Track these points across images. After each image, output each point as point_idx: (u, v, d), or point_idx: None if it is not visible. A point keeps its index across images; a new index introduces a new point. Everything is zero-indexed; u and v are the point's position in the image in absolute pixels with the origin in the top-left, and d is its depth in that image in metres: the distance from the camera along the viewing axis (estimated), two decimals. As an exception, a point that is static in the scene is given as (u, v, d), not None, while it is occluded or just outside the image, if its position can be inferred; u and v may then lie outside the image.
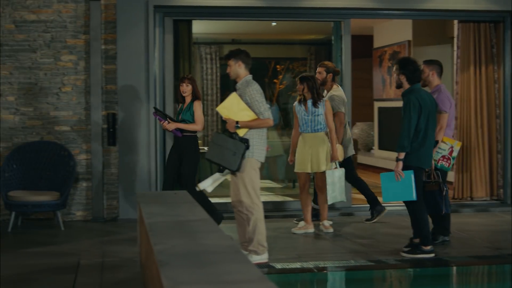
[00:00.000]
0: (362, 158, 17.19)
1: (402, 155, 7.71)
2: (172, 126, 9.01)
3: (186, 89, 9.10)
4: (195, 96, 9.17)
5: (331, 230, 9.33)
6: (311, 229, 9.37)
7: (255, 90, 7.48)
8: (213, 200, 9.84)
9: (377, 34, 16.78)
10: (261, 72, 16.44)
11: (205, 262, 3.96)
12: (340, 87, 9.86)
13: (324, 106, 9.15)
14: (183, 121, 9.08)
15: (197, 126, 9.06)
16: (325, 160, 9.17)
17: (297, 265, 7.53)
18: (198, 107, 9.08)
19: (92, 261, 7.70)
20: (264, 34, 16.04)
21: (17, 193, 9.48)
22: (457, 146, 8.28)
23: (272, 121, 7.53)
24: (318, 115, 9.15)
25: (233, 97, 7.53)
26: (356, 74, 12.05)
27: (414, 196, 7.74)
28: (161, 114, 9.23)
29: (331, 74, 9.67)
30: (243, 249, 7.58)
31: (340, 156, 9.38)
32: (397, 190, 7.79)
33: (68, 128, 10.34)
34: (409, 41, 15.12)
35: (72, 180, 9.78)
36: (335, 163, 9.26)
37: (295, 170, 9.39)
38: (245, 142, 7.36)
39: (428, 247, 7.89)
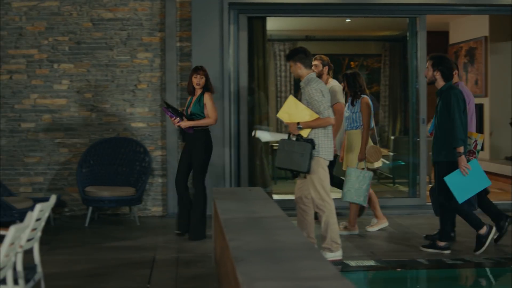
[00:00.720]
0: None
1: (462, 149, 7.64)
2: (186, 124, 8.68)
3: (200, 81, 8.72)
4: (206, 88, 8.82)
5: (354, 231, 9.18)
6: (385, 223, 9.34)
7: (314, 89, 7.44)
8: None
9: (453, 30, 16.52)
10: (335, 68, 16.34)
11: (280, 259, 3.96)
12: (334, 80, 9.55)
13: (359, 104, 9.01)
14: (192, 114, 8.74)
15: (210, 120, 8.74)
16: (354, 158, 9.00)
17: (371, 262, 7.47)
18: (209, 99, 8.76)
19: (167, 256, 7.77)
20: (338, 30, 15.93)
21: (94, 189, 9.63)
22: (480, 139, 8.22)
23: (333, 120, 7.50)
24: (354, 112, 9.00)
25: (290, 100, 7.57)
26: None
27: (488, 181, 7.85)
28: (172, 109, 8.76)
29: (326, 67, 9.37)
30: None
31: (373, 159, 9.03)
32: (469, 184, 7.72)
33: (144, 124, 10.47)
34: (485, 37, 14.87)
35: (148, 176, 9.90)
36: (363, 163, 8.94)
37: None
38: (310, 142, 7.33)
39: (443, 243, 7.96)
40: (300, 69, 7.56)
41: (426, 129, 10.75)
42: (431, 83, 7.98)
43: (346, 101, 9.21)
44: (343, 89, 9.19)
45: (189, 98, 8.98)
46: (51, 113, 10.44)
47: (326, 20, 13.62)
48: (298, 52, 7.60)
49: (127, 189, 9.62)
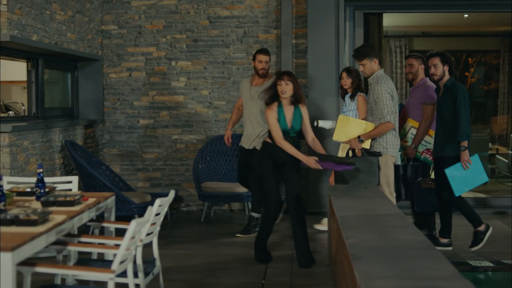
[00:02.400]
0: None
1: (466, 143, 7.64)
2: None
3: (286, 88, 7.17)
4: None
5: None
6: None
7: (384, 90, 7.37)
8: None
9: None
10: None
11: (398, 257, 3.92)
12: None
13: (356, 102, 8.64)
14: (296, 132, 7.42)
15: None
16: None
17: (489, 263, 7.31)
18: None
19: (282, 252, 7.80)
20: (455, 26, 15.62)
21: (210, 184, 9.74)
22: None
23: (392, 125, 7.37)
24: (351, 110, 8.63)
25: (340, 119, 7.62)
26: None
27: (486, 177, 7.80)
28: (336, 159, 7.36)
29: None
30: None
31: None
32: (468, 178, 7.70)
33: (259, 121, 10.53)
34: None
35: (263, 172, 9.94)
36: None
37: None
38: (378, 154, 7.22)
39: (446, 240, 7.99)
40: (376, 64, 7.54)
41: None
42: (440, 79, 7.88)
43: (343, 97, 8.92)
44: (341, 86, 8.86)
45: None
46: (169, 110, 10.63)
47: (443, 15, 13.38)
48: (373, 48, 7.61)
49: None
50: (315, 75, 10.23)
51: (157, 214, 5.06)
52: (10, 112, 9.97)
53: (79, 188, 6.19)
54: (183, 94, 10.61)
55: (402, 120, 8.27)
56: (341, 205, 5.88)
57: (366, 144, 7.38)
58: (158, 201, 4.96)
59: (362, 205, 5.93)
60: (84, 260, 5.27)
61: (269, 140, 7.23)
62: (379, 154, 7.29)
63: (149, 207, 4.71)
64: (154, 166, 10.67)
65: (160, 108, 10.65)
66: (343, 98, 8.88)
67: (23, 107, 10.03)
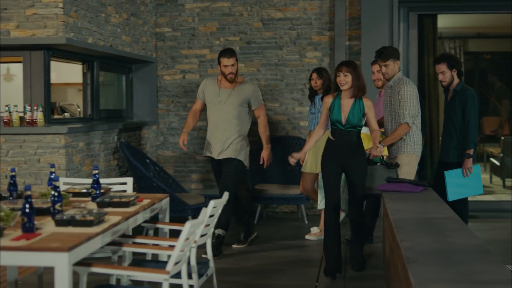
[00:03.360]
0: None
1: (472, 151, 7.57)
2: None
3: (345, 79, 6.79)
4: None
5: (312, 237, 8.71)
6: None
7: (412, 91, 7.28)
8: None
9: None
10: (506, 66, 15.85)
11: (454, 261, 3.88)
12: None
13: None
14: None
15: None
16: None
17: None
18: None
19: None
20: (510, 27, 15.41)
21: (263, 186, 9.76)
22: None
23: (409, 127, 7.23)
24: (320, 112, 8.21)
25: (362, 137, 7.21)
26: None
27: (482, 190, 7.72)
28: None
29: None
30: None
31: None
32: (465, 186, 7.61)
33: (312, 123, 10.51)
34: None
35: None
36: None
37: (302, 170, 8.90)
38: (394, 166, 7.12)
39: None
40: (397, 67, 7.46)
41: None
42: (449, 85, 7.80)
43: (311, 99, 8.81)
44: (311, 87, 8.74)
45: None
46: (222, 112, 10.67)
47: (498, 16, 13.19)
48: (397, 50, 7.53)
49: (296, 187, 9.67)
50: (369, 77, 10.16)
51: (211, 216, 5.08)
52: (66, 113, 10.09)
53: (134, 189, 6.24)
54: (236, 96, 10.63)
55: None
56: (395, 208, 5.84)
57: (386, 151, 7.27)
58: (212, 203, 4.98)
59: (416, 208, 5.89)
60: (139, 261, 5.31)
61: (331, 137, 6.93)
62: (396, 166, 7.15)
63: (203, 209, 4.72)
64: (207, 168, 10.71)
65: (213, 110, 10.68)
66: (311, 99, 8.79)
67: (78, 109, 10.16)
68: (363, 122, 6.84)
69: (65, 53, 8.35)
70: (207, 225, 5.06)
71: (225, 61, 7.95)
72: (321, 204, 8.46)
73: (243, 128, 8.17)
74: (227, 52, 7.99)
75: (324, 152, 6.99)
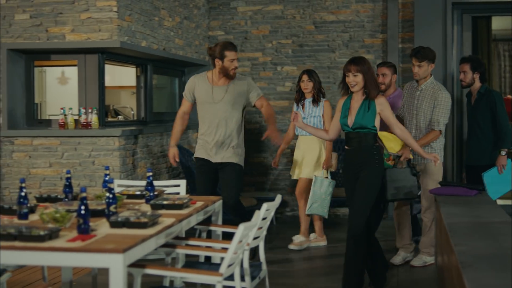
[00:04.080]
0: None
1: (506, 150, 7.50)
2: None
3: (355, 79, 6.18)
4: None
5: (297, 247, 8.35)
6: (323, 242, 8.56)
7: (449, 99, 7.18)
8: None
9: None
10: None
11: (509, 266, 3.83)
12: None
13: (322, 107, 8.28)
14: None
15: None
16: (313, 166, 8.26)
17: None
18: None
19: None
20: None
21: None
22: None
23: (440, 134, 7.14)
24: (314, 116, 8.26)
25: (385, 135, 6.79)
26: None
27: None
28: None
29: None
30: (405, 251, 7.57)
31: (334, 165, 8.39)
32: (502, 183, 7.50)
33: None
34: None
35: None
36: (327, 172, 8.23)
37: (292, 177, 8.58)
38: (416, 174, 6.82)
39: None
40: (430, 70, 7.32)
41: None
42: (469, 86, 7.74)
43: (298, 102, 8.46)
44: (299, 90, 8.42)
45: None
46: (274, 115, 10.67)
47: (555, 18, 13.00)
48: (432, 52, 7.35)
49: (348, 190, 9.62)
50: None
51: (263, 219, 5.09)
52: (120, 116, 10.20)
53: (187, 191, 6.28)
54: (288, 99, 10.64)
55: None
56: (449, 212, 5.80)
57: (410, 154, 7.17)
58: (265, 205, 4.99)
59: (470, 212, 5.83)
60: (192, 263, 5.34)
61: (346, 146, 6.33)
62: (417, 174, 6.98)
63: (256, 211, 4.74)
64: (259, 171, 10.73)
65: (265, 113, 10.70)
66: (298, 102, 8.43)
67: (132, 112, 10.26)
68: (376, 123, 6.15)
69: (119, 56, 8.44)
70: (260, 228, 5.07)
71: (232, 54, 7.28)
72: (309, 209, 8.13)
73: (241, 128, 7.50)
74: (232, 45, 7.38)
75: (343, 168, 6.43)
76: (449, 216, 5.58)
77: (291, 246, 8.31)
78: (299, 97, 8.43)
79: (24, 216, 4.67)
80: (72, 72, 8.97)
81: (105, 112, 8.29)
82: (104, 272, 4.28)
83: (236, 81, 7.40)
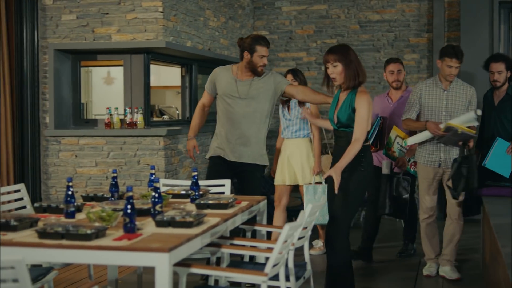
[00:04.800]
0: None
1: None
2: None
3: (334, 71, 5.62)
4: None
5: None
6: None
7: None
8: None
9: None
10: None
11: (558, 268, 3.78)
12: None
13: (309, 108, 7.31)
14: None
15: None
16: (307, 171, 7.70)
17: None
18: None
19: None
20: None
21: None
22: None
23: None
24: (300, 118, 7.66)
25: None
26: None
27: (508, 174, 6.87)
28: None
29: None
30: (441, 263, 7.01)
31: (325, 168, 7.67)
32: (501, 161, 6.90)
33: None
34: None
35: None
36: (319, 177, 7.66)
37: (274, 183, 7.92)
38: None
39: None
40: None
41: None
42: (503, 84, 7.28)
43: (284, 103, 7.74)
44: None
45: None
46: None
47: None
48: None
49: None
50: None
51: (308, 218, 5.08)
52: (165, 116, 10.26)
53: (231, 191, 6.28)
54: (332, 99, 10.61)
55: (388, 130, 7.55)
56: (496, 212, 5.73)
57: None
58: (310, 206, 4.98)
59: (518, 213, 5.76)
60: (236, 262, 5.35)
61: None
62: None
63: (301, 211, 4.73)
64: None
65: (309, 112, 10.68)
66: (284, 103, 7.73)
67: (177, 112, 10.30)
68: None
69: (165, 56, 8.49)
70: (305, 228, 5.06)
71: (263, 50, 6.59)
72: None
73: (266, 126, 6.77)
74: (265, 39, 6.68)
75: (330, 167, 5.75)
76: (496, 217, 5.51)
77: (312, 252, 7.93)
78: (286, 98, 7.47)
79: (71, 215, 4.72)
80: (118, 72, 9.05)
81: (150, 112, 8.35)
82: (150, 271, 4.30)
83: (264, 75, 6.71)
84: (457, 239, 6.97)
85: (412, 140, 6.99)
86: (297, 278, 4.98)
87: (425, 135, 6.81)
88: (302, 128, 7.73)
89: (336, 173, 5.32)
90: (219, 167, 6.75)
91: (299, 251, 5.15)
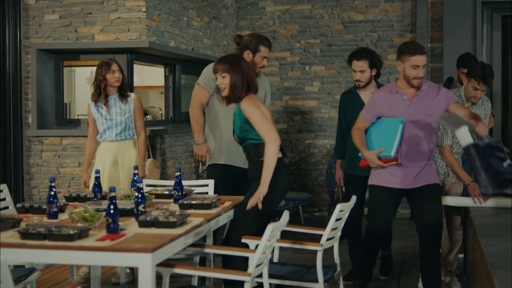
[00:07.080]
0: None
1: None
2: None
3: (223, 82, 5.30)
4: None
5: None
6: None
7: None
8: None
9: None
10: None
11: (541, 268, 3.79)
12: None
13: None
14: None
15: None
16: None
17: None
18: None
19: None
20: None
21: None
22: None
23: None
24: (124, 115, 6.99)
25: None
26: None
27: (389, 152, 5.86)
28: None
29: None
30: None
31: (153, 176, 7.16)
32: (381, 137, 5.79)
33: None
34: None
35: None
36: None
37: None
38: None
39: None
40: None
41: None
42: (365, 86, 6.54)
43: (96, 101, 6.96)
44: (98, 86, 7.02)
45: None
46: (302, 115, 10.67)
47: None
48: None
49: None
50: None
51: (338, 219, 5.08)
52: (148, 116, 10.23)
53: (215, 191, 6.26)
54: (316, 99, 10.63)
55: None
56: (479, 213, 5.75)
57: None
58: (339, 206, 4.97)
59: (500, 212, 5.77)
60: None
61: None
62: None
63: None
64: (291, 170, 10.70)
65: (293, 112, 10.70)
66: (96, 101, 6.97)
67: (160, 112, 10.28)
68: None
69: (148, 56, 8.47)
70: (334, 229, 5.07)
71: (266, 51, 6.45)
72: None
73: None
74: (269, 41, 6.55)
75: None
76: (478, 217, 5.53)
77: None
78: (99, 94, 6.93)
79: (53, 216, 4.70)
80: (101, 72, 9.00)
81: (133, 112, 8.31)
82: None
83: (258, 78, 6.35)
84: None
85: (451, 202, 6.21)
86: (327, 279, 4.98)
87: (465, 201, 6.14)
88: (128, 126, 6.98)
89: (263, 194, 5.08)
90: (226, 172, 6.46)
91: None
